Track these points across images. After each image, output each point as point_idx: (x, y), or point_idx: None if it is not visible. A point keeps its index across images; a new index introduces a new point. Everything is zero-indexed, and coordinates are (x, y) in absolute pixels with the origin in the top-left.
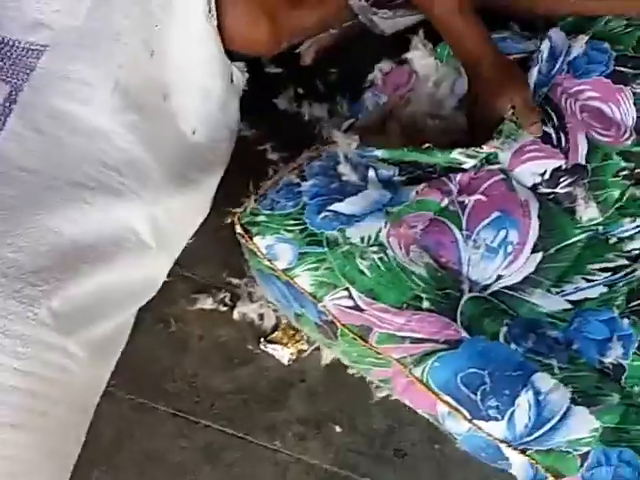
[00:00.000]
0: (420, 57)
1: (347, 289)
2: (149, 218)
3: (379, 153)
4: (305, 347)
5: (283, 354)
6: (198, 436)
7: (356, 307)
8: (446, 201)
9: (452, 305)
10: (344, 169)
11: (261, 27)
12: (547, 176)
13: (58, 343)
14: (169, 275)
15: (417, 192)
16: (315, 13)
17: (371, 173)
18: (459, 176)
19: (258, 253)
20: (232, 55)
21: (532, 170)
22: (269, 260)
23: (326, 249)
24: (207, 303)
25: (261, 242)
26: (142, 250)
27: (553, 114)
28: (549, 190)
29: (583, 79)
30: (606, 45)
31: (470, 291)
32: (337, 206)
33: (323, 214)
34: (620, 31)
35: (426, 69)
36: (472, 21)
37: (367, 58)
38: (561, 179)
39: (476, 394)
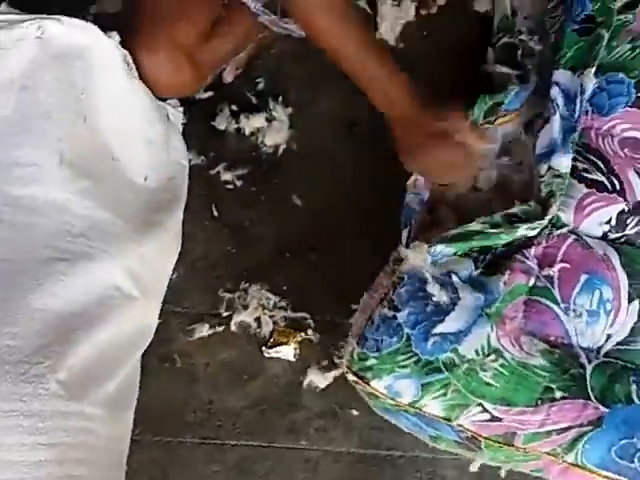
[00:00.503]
0: None
1: (480, 404)
2: (126, 271)
3: (451, 249)
4: (303, 335)
5: (287, 352)
6: (228, 457)
7: (493, 418)
8: (532, 280)
9: (581, 385)
10: (433, 289)
11: (183, 70)
12: (614, 222)
13: (74, 409)
14: (161, 315)
15: (505, 282)
16: (228, 39)
17: (455, 278)
18: (533, 250)
19: (379, 395)
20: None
21: (598, 221)
22: (392, 399)
23: (447, 373)
24: (204, 330)
25: (379, 384)
26: (129, 302)
27: (596, 160)
28: (620, 234)
29: (611, 115)
30: (621, 75)
31: (589, 361)
32: (441, 327)
33: (431, 340)
34: (628, 56)
35: None
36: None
37: (286, 56)
38: (627, 220)
39: (633, 462)
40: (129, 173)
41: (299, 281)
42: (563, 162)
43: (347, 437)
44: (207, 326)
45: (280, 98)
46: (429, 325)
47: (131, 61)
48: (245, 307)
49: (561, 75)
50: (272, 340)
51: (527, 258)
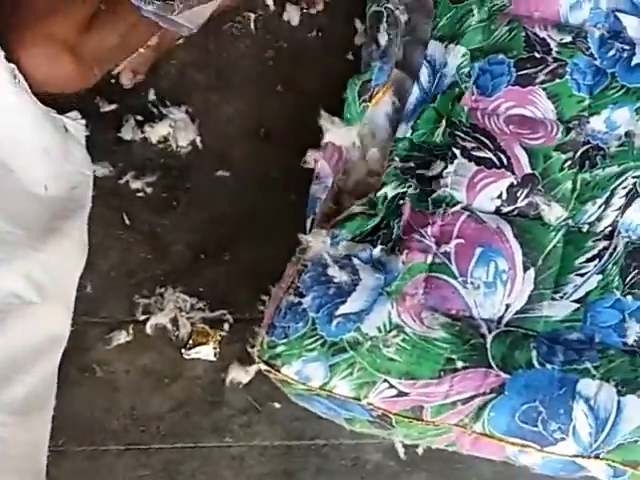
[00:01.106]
0: (336, 134)
1: (385, 380)
2: (25, 278)
3: (345, 233)
4: (222, 334)
5: (207, 352)
6: (154, 461)
7: (400, 393)
8: (430, 257)
9: (482, 353)
10: (334, 272)
11: (63, 64)
12: (504, 196)
13: None
14: (79, 326)
15: (403, 262)
16: (111, 31)
17: (355, 260)
18: (429, 229)
19: (291, 381)
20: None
21: (489, 196)
22: (303, 383)
23: (352, 352)
24: (122, 337)
25: (290, 370)
26: (30, 308)
27: (484, 138)
28: (512, 207)
29: (495, 95)
30: (501, 56)
31: (490, 331)
32: (343, 308)
33: (335, 321)
34: (506, 38)
35: (346, 139)
36: None
37: (189, 64)
38: (518, 193)
39: (537, 426)
40: (26, 183)
41: (216, 282)
42: (402, 129)
43: (271, 430)
44: (124, 333)
45: (184, 106)
46: (332, 307)
47: (18, 73)
48: (161, 310)
49: (431, 46)
50: (191, 341)
51: (424, 237)
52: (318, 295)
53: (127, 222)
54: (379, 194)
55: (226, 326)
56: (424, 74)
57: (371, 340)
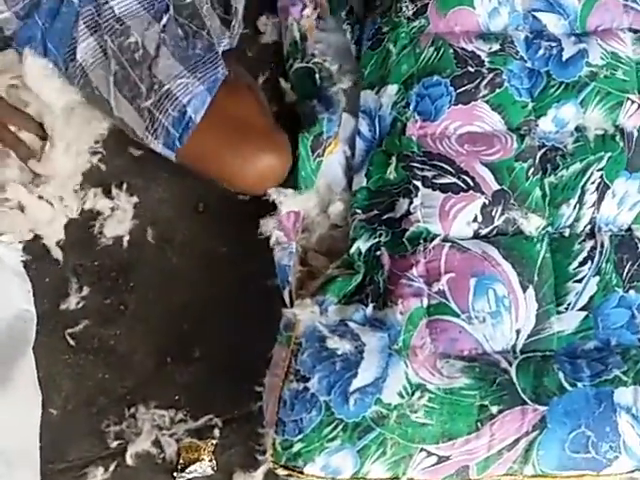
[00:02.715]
0: (293, 202)
1: (422, 450)
2: None
3: (330, 296)
4: (214, 442)
5: (204, 468)
6: None
7: (440, 459)
8: (425, 300)
9: (511, 391)
10: (335, 343)
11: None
12: (480, 218)
13: None
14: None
15: (401, 312)
16: None
17: (352, 325)
18: (415, 270)
19: (317, 479)
20: None
21: (465, 221)
22: (333, 478)
23: (379, 429)
24: (98, 474)
25: (314, 468)
26: None
27: (442, 164)
28: (490, 228)
29: (439, 117)
30: (436, 77)
31: (510, 364)
32: (357, 382)
33: (352, 400)
34: (435, 58)
35: (305, 204)
36: None
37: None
38: (492, 212)
39: (589, 452)
40: None
41: (190, 385)
42: (357, 181)
43: None
44: (101, 469)
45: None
46: (344, 384)
47: None
48: (138, 434)
49: (363, 95)
50: (181, 461)
51: (413, 280)
52: (325, 375)
53: (72, 343)
54: (352, 251)
55: (216, 432)
56: (363, 125)
57: (396, 409)
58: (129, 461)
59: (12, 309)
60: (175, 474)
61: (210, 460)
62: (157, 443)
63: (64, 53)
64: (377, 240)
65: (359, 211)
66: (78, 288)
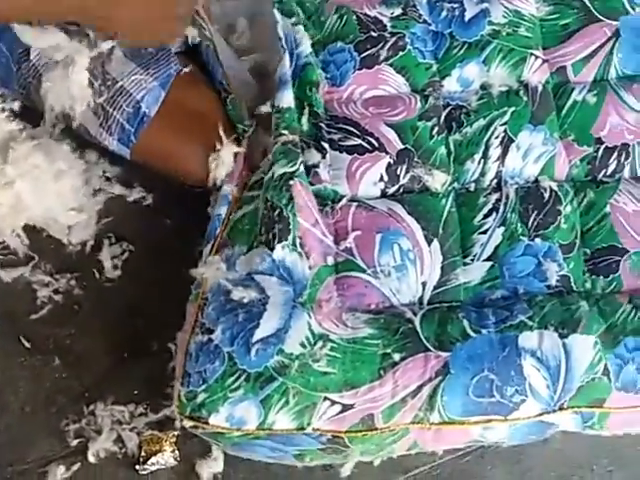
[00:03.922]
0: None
1: (326, 398)
2: None
3: (239, 247)
4: (176, 433)
5: (166, 459)
6: None
7: (345, 407)
8: (331, 259)
9: (415, 339)
10: (238, 293)
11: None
12: (386, 177)
13: None
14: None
15: (310, 267)
16: None
17: (258, 277)
18: (324, 228)
19: (223, 430)
20: None
21: (371, 181)
22: (238, 429)
23: (281, 378)
24: (58, 474)
25: (218, 418)
26: None
27: (347, 127)
28: (396, 187)
29: (345, 83)
30: (340, 44)
31: (415, 314)
32: (259, 333)
33: (253, 350)
34: (338, 25)
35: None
36: None
37: None
38: (397, 171)
39: (493, 395)
40: None
41: (149, 378)
42: (285, 97)
43: None
44: (62, 468)
45: None
46: (247, 335)
47: None
48: (98, 432)
49: (284, 29)
50: (143, 453)
51: (322, 240)
52: (228, 326)
53: (27, 345)
54: (253, 180)
55: (177, 423)
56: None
57: (298, 359)
58: (91, 458)
59: None
60: (137, 467)
61: (172, 451)
62: (118, 438)
63: (18, 54)
64: (294, 169)
65: (286, 132)
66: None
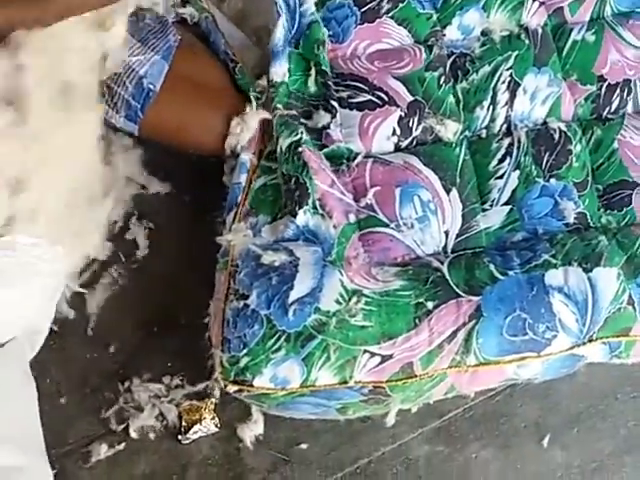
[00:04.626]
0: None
1: (365, 351)
2: None
3: (263, 216)
4: (214, 400)
5: (208, 427)
6: None
7: (384, 358)
8: (353, 216)
9: (445, 286)
10: (270, 257)
11: None
12: (398, 131)
13: None
14: (53, 464)
15: (334, 226)
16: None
17: (284, 243)
18: (342, 187)
19: (268, 391)
20: None
21: (384, 136)
22: (283, 388)
23: (321, 336)
24: (102, 452)
25: (262, 380)
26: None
27: (355, 83)
28: (409, 139)
29: (347, 39)
30: (338, 0)
31: (442, 263)
32: (294, 294)
33: (291, 310)
34: None
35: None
36: None
37: None
38: (410, 124)
39: (527, 333)
40: None
41: (181, 351)
42: (278, 71)
43: (309, 474)
44: (105, 446)
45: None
46: (283, 297)
47: None
48: (137, 408)
49: None
50: (184, 424)
51: (343, 196)
52: (262, 290)
53: (55, 328)
54: (269, 149)
55: (217, 391)
56: (284, 10)
57: (335, 315)
58: (133, 435)
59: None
60: (179, 437)
61: (212, 418)
62: (157, 412)
63: None
64: (298, 137)
65: (280, 106)
66: None
